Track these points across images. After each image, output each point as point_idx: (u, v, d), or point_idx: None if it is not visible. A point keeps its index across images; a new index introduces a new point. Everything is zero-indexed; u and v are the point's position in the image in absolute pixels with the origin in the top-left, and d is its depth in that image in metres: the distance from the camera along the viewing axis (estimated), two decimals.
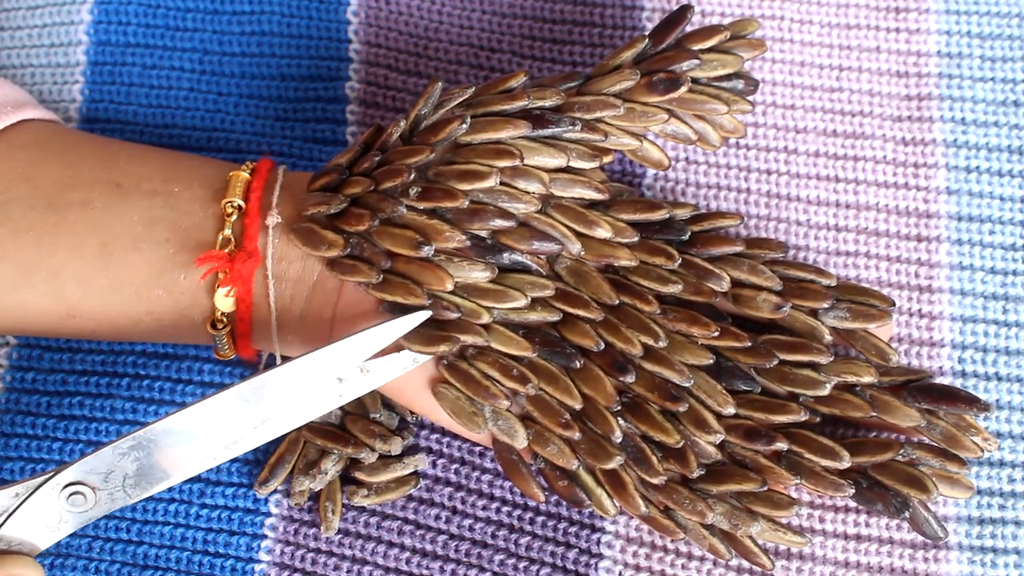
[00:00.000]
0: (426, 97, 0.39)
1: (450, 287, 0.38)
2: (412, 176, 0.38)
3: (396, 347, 0.38)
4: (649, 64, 0.39)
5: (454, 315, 0.38)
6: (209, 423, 0.36)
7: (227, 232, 0.38)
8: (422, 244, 0.37)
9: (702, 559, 0.40)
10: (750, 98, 0.41)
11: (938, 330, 0.42)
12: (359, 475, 0.41)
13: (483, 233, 0.38)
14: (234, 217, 0.38)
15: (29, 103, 0.42)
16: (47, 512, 0.35)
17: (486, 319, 0.38)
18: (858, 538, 0.40)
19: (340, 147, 0.47)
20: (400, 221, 0.38)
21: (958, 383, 0.42)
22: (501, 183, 0.38)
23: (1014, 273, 0.43)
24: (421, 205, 0.38)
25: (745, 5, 0.47)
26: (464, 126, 0.38)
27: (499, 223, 0.38)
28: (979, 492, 0.40)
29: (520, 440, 0.38)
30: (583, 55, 0.47)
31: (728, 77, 0.40)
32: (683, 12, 0.40)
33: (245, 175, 0.39)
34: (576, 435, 0.38)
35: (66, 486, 0.35)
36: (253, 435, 0.37)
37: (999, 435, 0.41)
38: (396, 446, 0.41)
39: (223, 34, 0.49)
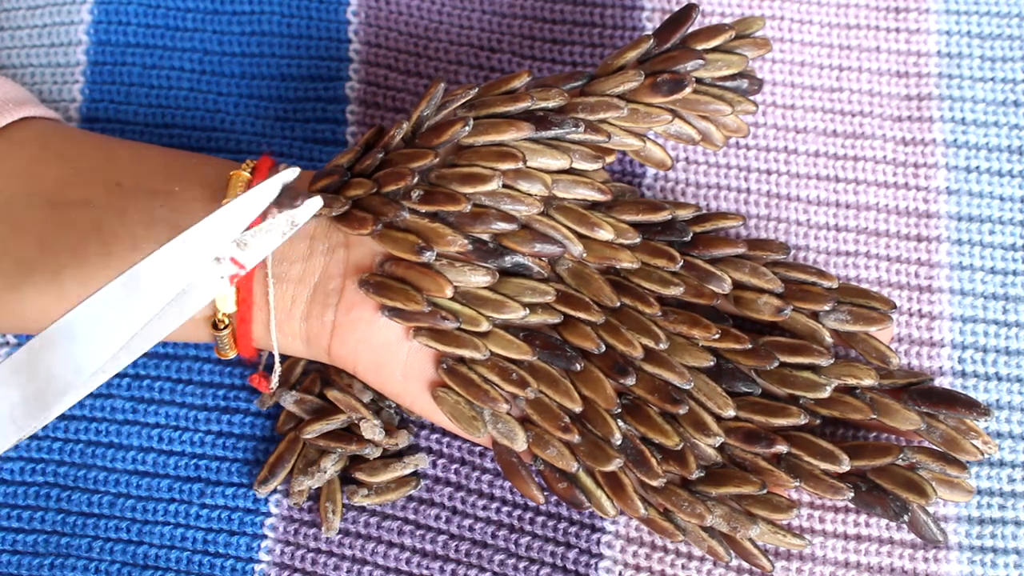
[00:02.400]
0: (428, 98, 0.39)
1: (450, 293, 0.37)
2: (415, 179, 0.38)
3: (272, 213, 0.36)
4: (653, 64, 0.39)
5: (452, 325, 0.38)
6: (89, 327, 0.32)
7: None
8: (424, 249, 0.37)
9: (702, 559, 0.40)
10: (753, 98, 0.41)
11: (938, 330, 0.42)
12: (359, 475, 0.41)
13: (485, 236, 0.38)
14: None
15: (30, 101, 0.42)
16: None
17: (485, 327, 0.38)
18: (858, 538, 0.40)
19: (340, 147, 0.47)
20: (402, 225, 0.38)
21: (958, 383, 0.42)
22: (503, 185, 0.38)
23: (1014, 273, 0.43)
24: (423, 208, 0.38)
25: (745, 5, 0.47)
26: (467, 128, 0.38)
27: (501, 226, 0.38)
28: (979, 492, 0.40)
29: (520, 443, 0.38)
30: (583, 55, 0.47)
31: (732, 77, 0.40)
32: (687, 12, 0.39)
33: (246, 174, 0.39)
34: (576, 438, 0.38)
35: None
36: (142, 335, 0.34)
37: (999, 435, 0.41)
38: (403, 439, 0.41)
39: (223, 34, 0.49)
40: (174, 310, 0.35)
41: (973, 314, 0.43)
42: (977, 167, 0.45)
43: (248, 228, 0.35)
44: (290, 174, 0.36)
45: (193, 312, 0.35)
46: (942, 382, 0.42)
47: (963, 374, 0.42)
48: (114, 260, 0.38)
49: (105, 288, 0.33)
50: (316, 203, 0.36)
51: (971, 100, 0.45)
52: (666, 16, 0.47)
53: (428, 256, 0.37)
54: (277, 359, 0.40)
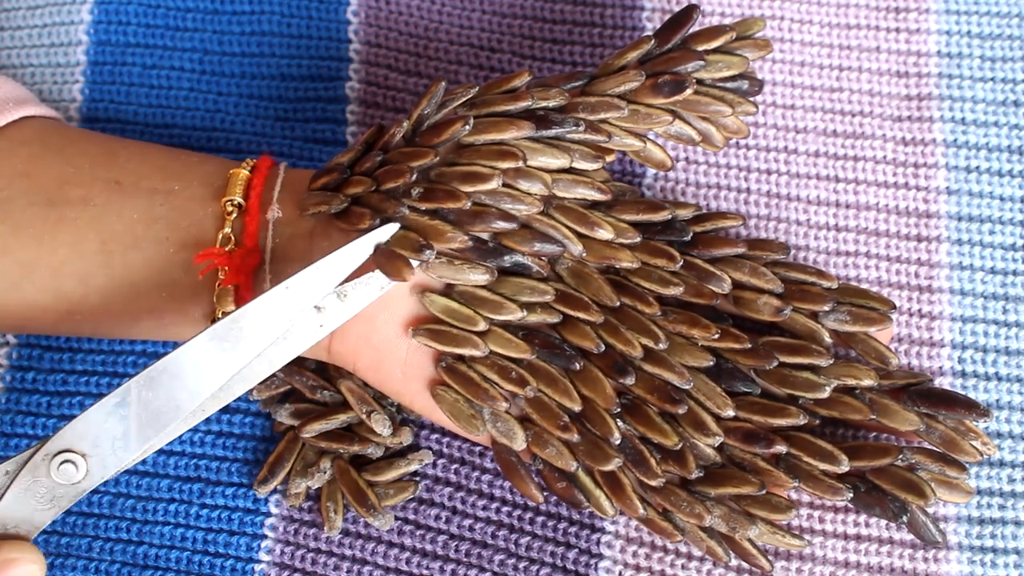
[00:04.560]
0: (429, 97, 0.39)
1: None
2: (414, 177, 0.38)
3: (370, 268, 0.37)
4: (654, 65, 0.39)
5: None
6: (190, 370, 0.34)
7: (227, 230, 0.38)
8: (423, 247, 0.37)
9: (702, 559, 0.40)
10: (753, 99, 0.41)
11: (938, 330, 0.42)
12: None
13: (484, 235, 0.38)
14: (234, 215, 0.38)
15: (30, 100, 0.42)
16: (39, 488, 0.34)
17: (482, 326, 0.38)
18: (858, 538, 0.40)
19: (340, 147, 0.47)
20: (402, 222, 0.38)
21: (958, 383, 0.42)
22: (503, 184, 0.38)
23: (1014, 273, 0.43)
24: (423, 206, 0.38)
25: (745, 5, 0.47)
26: (467, 127, 0.38)
27: (501, 225, 0.38)
28: (979, 492, 0.40)
29: (519, 442, 0.38)
30: (583, 55, 0.47)
31: (733, 78, 0.40)
32: (689, 12, 0.39)
33: (245, 173, 0.39)
34: (575, 437, 0.38)
35: (55, 456, 0.34)
36: (239, 379, 0.36)
37: (999, 435, 0.41)
38: (406, 437, 0.41)
39: (223, 34, 0.49)
40: (275, 354, 0.36)
41: (973, 314, 0.43)
42: (977, 167, 0.45)
43: (347, 280, 0.36)
44: (388, 230, 0.37)
45: (291, 358, 0.37)
46: (942, 382, 0.42)
47: (963, 374, 0.42)
48: (113, 259, 0.38)
49: (209, 330, 0.34)
50: (394, 227, 0.37)
51: (971, 100, 0.45)
52: (666, 16, 0.47)
53: (428, 254, 0.37)
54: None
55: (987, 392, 0.42)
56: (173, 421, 0.35)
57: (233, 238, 0.38)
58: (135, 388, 0.34)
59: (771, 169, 0.45)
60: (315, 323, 0.36)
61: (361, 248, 0.36)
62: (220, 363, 0.35)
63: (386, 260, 0.37)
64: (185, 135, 0.48)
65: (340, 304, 0.37)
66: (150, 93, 0.49)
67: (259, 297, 0.35)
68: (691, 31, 0.40)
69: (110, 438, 0.34)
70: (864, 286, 0.43)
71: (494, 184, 0.37)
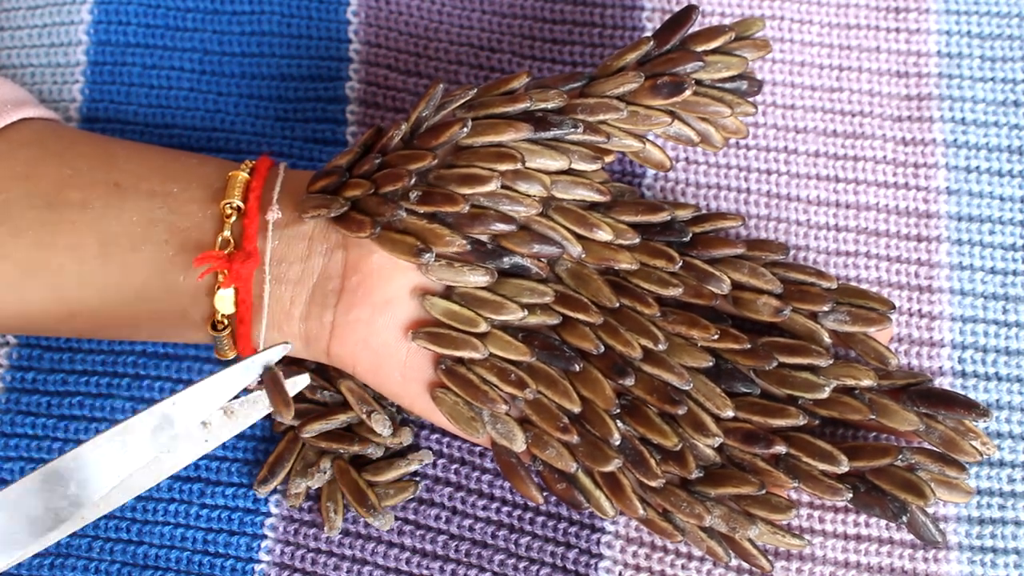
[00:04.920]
0: (427, 99, 0.39)
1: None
2: (412, 180, 0.38)
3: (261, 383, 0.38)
4: (653, 66, 0.39)
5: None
6: (85, 467, 0.35)
7: (226, 233, 0.38)
8: (422, 251, 0.37)
9: (702, 559, 0.40)
10: (752, 99, 0.41)
11: (938, 330, 0.42)
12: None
13: (483, 237, 0.38)
14: (233, 218, 0.38)
15: (29, 102, 0.42)
16: None
17: (484, 328, 0.38)
18: (858, 538, 0.40)
19: (340, 147, 0.47)
20: (400, 225, 0.38)
21: (958, 383, 0.42)
22: (502, 186, 0.38)
23: (1014, 273, 0.43)
24: (421, 209, 0.38)
25: (745, 5, 0.47)
26: (465, 129, 0.38)
27: (500, 227, 0.38)
28: (979, 492, 0.40)
29: (518, 444, 0.38)
30: (583, 55, 0.47)
31: (732, 79, 0.40)
32: (688, 13, 0.39)
33: (244, 175, 0.39)
34: (574, 439, 0.38)
35: None
36: (120, 489, 0.36)
37: (999, 435, 0.41)
38: (407, 437, 0.41)
39: (223, 34, 0.49)
40: (160, 466, 0.37)
41: (973, 314, 0.43)
42: (977, 167, 0.45)
43: (235, 398, 0.37)
44: (279, 351, 0.38)
45: (176, 471, 0.37)
46: (942, 382, 0.42)
47: (963, 374, 0.42)
48: (113, 261, 0.38)
49: (103, 435, 0.35)
50: (304, 380, 0.39)
51: (971, 100, 0.45)
52: (666, 16, 0.47)
53: (427, 257, 0.37)
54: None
55: (987, 392, 0.42)
56: (51, 530, 0.35)
57: (232, 241, 0.38)
58: (12, 494, 0.35)
59: (771, 169, 0.45)
60: (200, 438, 0.37)
61: (250, 368, 0.37)
62: (112, 466, 0.36)
63: (272, 387, 0.38)
64: (185, 135, 0.48)
65: (226, 421, 0.37)
66: (150, 93, 0.49)
67: (148, 409, 0.36)
68: (690, 32, 0.39)
69: (17, 527, 0.35)
70: (864, 286, 0.43)
71: (492, 186, 0.37)
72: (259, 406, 0.38)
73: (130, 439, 0.36)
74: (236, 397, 0.37)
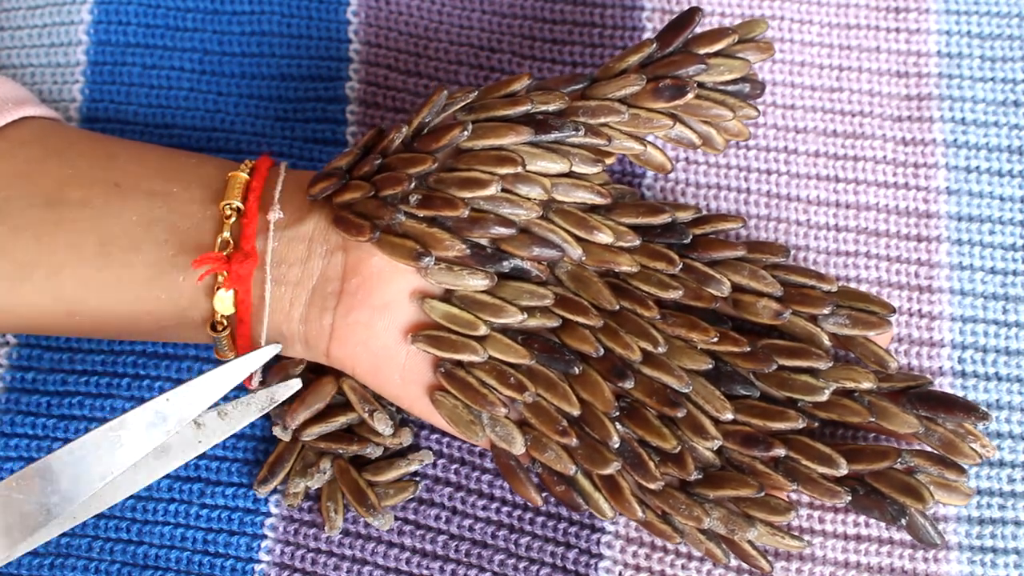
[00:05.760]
0: (431, 105, 0.38)
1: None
2: (412, 184, 0.38)
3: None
4: (655, 68, 0.39)
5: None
6: (63, 474, 0.35)
7: (225, 234, 0.38)
8: (422, 255, 0.37)
9: (702, 560, 0.40)
10: (754, 102, 0.41)
11: (938, 330, 0.42)
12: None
13: (483, 241, 0.38)
14: (232, 219, 0.38)
15: (30, 100, 0.42)
16: None
17: (483, 331, 0.38)
18: (858, 539, 0.40)
19: (340, 147, 0.47)
20: (400, 229, 0.38)
21: (958, 383, 0.42)
22: (502, 189, 0.38)
23: (1014, 273, 0.43)
24: (421, 213, 0.38)
25: (745, 5, 0.47)
26: (466, 133, 0.38)
27: (499, 231, 0.38)
28: (979, 492, 0.40)
29: (518, 447, 0.38)
30: (583, 55, 0.47)
31: (734, 81, 0.40)
32: (691, 15, 0.39)
33: (244, 176, 0.39)
34: (573, 442, 0.38)
35: None
36: (112, 487, 0.36)
37: (999, 436, 0.41)
38: (407, 437, 0.41)
39: (223, 34, 0.49)
40: (155, 465, 0.37)
41: (973, 314, 0.43)
42: (977, 167, 0.45)
43: (229, 398, 0.38)
44: (270, 351, 0.38)
45: (169, 471, 0.37)
46: (942, 382, 0.42)
47: (963, 374, 0.42)
48: (112, 261, 0.38)
49: (97, 430, 0.35)
50: (296, 384, 0.39)
51: (971, 100, 0.45)
52: (667, 16, 0.47)
53: (427, 261, 0.37)
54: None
55: (987, 392, 0.42)
56: (42, 526, 0.35)
57: (232, 242, 0.38)
58: (3, 489, 0.34)
59: (771, 169, 0.45)
60: (194, 439, 0.37)
61: (244, 367, 0.37)
62: (99, 467, 0.35)
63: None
64: (185, 135, 0.48)
65: (220, 422, 0.38)
66: (150, 93, 0.49)
67: (140, 407, 0.36)
68: (692, 34, 0.39)
69: None
70: (864, 286, 0.43)
71: (493, 190, 0.37)
72: (252, 408, 0.38)
73: (124, 435, 0.35)
74: (230, 396, 0.37)
